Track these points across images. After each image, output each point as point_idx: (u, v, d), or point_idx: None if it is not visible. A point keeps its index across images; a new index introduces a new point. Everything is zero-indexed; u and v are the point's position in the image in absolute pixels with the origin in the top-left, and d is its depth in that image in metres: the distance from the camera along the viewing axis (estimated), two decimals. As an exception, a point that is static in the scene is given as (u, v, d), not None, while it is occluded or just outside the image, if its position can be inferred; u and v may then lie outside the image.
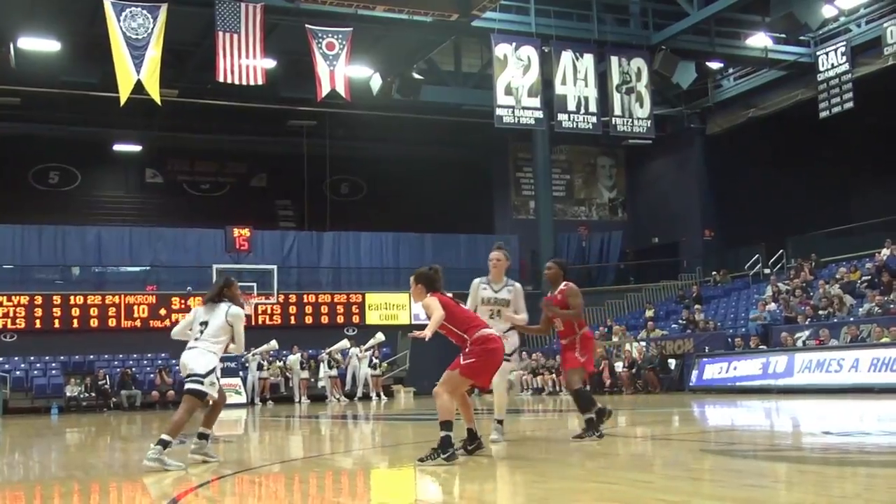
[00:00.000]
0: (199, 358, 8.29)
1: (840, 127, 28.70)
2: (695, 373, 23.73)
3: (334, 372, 28.65)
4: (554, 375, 27.83)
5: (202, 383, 8.20)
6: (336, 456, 9.58)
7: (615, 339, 27.74)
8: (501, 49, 27.70)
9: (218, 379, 8.36)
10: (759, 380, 21.57)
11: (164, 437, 7.97)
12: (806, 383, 20.12)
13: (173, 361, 29.05)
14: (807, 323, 23.48)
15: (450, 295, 8.08)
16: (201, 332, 8.39)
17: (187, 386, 8.27)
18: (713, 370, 23.26)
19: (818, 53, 28.80)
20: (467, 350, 7.72)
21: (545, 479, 6.70)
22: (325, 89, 25.38)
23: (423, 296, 7.95)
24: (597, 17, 29.52)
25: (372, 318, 31.97)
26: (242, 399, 27.13)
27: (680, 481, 6.37)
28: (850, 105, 27.69)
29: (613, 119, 29.50)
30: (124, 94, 22.86)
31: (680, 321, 28.15)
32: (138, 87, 22.75)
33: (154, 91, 23.00)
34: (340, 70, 25.44)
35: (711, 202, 34.05)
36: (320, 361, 28.85)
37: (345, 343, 28.18)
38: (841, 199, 31.83)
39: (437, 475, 6.91)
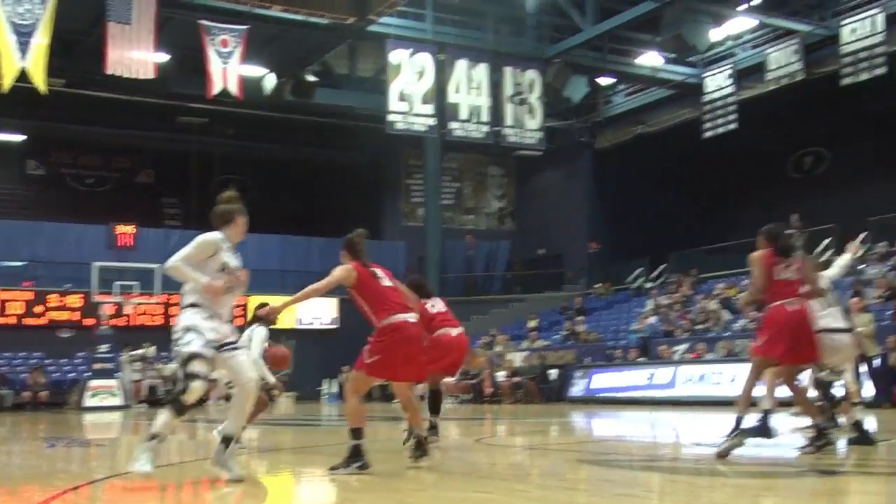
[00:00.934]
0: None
1: (723, 147, 29.57)
2: (583, 382, 24.11)
3: (137, 375, 27.39)
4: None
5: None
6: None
7: (498, 348, 27.99)
8: (396, 55, 27.72)
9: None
10: (642, 391, 22.05)
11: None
12: (687, 395, 20.68)
13: (47, 361, 28.17)
14: (684, 337, 24.12)
15: (378, 269, 7.47)
16: None
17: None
18: (600, 381, 23.67)
19: (705, 75, 29.62)
20: (371, 342, 7.15)
21: (423, 487, 6.70)
22: (216, 87, 24.98)
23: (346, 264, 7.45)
24: (493, 27, 29.82)
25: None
26: (118, 401, 26.35)
27: (555, 491, 6.43)
28: (733, 126, 28.57)
29: (505, 129, 29.81)
30: (7, 81, 22.07)
31: (562, 332, 28.58)
32: (23, 75, 22.01)
33: (39, 80, 22.28)
34: (233, 68, 25.08)
35: (598, 215, 34.65)
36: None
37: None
38: (722, 217, 32.77)
39: (320, 483, 6.84)
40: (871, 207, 25.94)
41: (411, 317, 7.29)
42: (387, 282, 7.52)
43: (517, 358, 26.82)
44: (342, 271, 7.33)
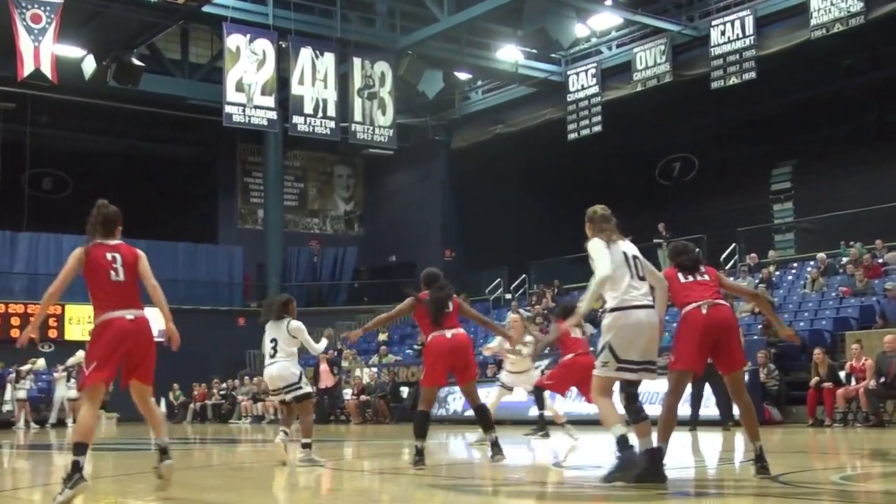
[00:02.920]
0: (286, 370, 10.70)
1: (587, 150, 30.15)
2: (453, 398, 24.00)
3: (23, 394, 26.86)
4: (278, 403, 27.42)
5: (301, 387, 10.69)
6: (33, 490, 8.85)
7: (345, 363, 27.72)
8: (234, 40, 27.20)
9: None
10: (513, 409, 22.01)
11: (305, 440, 10.57)
12: (562, 413, 20.70)
13: None
14: (547, 351, 24.33)
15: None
16: (274, 348, 10.72)
17: (294, 395, 10.68)
18: (457, 399, 23.57)
19: (569, 73, 30.19)
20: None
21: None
22: (27, 68, 23.96)
23: None
24: (340, 13, 29.57)
25: (73, 332, 30.31)
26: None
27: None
28: (598, 128, 29.18)
29: (353, 125, 29.64)
30: None
31: (415, 346, 28.50)
32: None
33: None
34: (47, 47, 24.09)
35: (453, 220, 34.83)
36: (7, 382, 26.97)
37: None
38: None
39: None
40: (741, 217, 26.92)
41: (128, 314, 6.99)
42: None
43: (365, 374, 26.60)
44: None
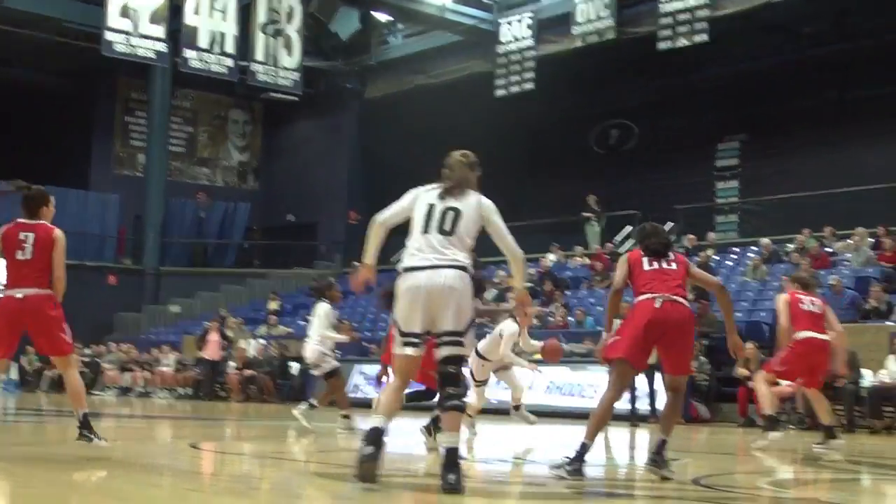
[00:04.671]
0: (313, 350, 13.50)
1: (518, 109, 30.24)
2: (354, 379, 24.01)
3: None
4: (148, 373, 27.30)
5: (321, 366, 13.55)
6: None
7: (229, 333, 27.58)
8: (121, -44, 26.76)
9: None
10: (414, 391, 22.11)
11: (343, 411, 13.25)
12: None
13: None
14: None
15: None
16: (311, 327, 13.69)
17: (321, 372, 13.68)
18: (357, 379, 23.60)
19: (501, 22, 30.18)
20: None
21: (123, 499, 6.44)
22: None
23: None
24: (243, -65, 29.23)
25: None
26: None
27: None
28: (530, 86, 29.27)
29: (254, 65, 29.39)
30: None
31: (310, 318, 28.45)
32: None
33: None
34: None
35: (361, 180, 34.74)
36: None
37: None
38: (511, 191, 33.58)
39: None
40: (681, 194, 27.28)
41: None
42: None
43: (251, 347, 26.52)
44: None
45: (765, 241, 23.47)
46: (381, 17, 33.22)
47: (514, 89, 29.74)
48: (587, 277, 25.74)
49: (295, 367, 24.98)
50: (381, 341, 16.57)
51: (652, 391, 17.30)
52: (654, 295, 7.85)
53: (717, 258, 24.59)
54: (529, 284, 25.90)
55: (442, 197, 7.26)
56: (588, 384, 18.72)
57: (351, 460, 7.07)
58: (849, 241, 22.33)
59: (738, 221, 28.50)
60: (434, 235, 7.07)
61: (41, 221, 8.60)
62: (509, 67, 29.95)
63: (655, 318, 7.78)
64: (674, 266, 8.05)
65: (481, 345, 11.99)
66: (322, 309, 13.54)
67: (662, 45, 26.46)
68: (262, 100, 36.26)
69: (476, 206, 7.20)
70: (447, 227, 7.08)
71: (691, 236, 25.43)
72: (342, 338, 14.12)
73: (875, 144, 26.22)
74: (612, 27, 27.59)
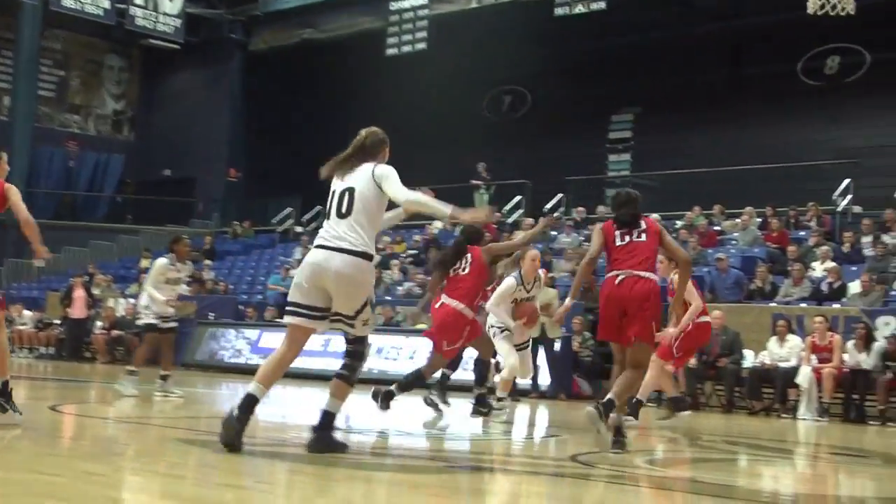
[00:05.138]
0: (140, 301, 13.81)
1: (410, 70, 30.20)
2: (207, 343, 23.81)
3: None
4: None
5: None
6: None
7: (97, 291, 27.17)
8: None
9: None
10: (316, 357, 21.99)
11: (163, 372, 13.49)
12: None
13: None
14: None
15: None
16: None
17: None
18: (232, 342, 23.44)
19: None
20: None
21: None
22: None
23: None
24: None
25: None
26: None
27: (145, 475, 6.35)
28: (422, 46, 29.25)
29: (133, 8, 28.89)
30: None
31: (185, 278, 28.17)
32: None
33: None
34: None
35: (243, 135, 34.43)
36: None
37: None
38: (398, 155, 33.41)
39: None
40: (572, 166, 27.56)
41: None
42: None
43: (121, 306, 26.16)
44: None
45: (654, 216, 23.79)
46: (271, -35, 32.88)
47: (406, 48, 29.72)
48: (473, 247, 25.83)
49: (166, 328, 24.73)
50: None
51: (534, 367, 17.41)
52: (617, 272, 8.46)
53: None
54: (414, 253, 26.03)
55: (341, 178, 7.58)
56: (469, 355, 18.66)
57: (217, 426, 7.08)
58: (737, 220, 22.81)
59: (630, 195, 28.85)
60: (333, 219, 7.40)
61: None
62: (402, 26, 29.89)
63: (613, 295, 8.43)
64: (643, 238, 8.54)
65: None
66: (157, 263, 13.55)
67: (559, 11, 26.64)
68: (141, 46, 35.63)
69: (368, 179, 7.46)
70: (343, 209, 7.39)
71: (581, 209, 25.75)
72: (160, 297, 13.46)
73: (768, 124, 26.81)
74: (510, -10, 27.75)
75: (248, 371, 22.21)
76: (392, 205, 7.62)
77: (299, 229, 31.05)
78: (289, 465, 7.18)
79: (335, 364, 7.76)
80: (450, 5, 29.30)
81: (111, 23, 29.51)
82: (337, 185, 7.56)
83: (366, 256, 7.26)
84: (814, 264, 19.55)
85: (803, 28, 24.22)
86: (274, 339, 22.82)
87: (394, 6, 29.93)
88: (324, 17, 32.85)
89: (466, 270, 11.27)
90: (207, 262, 29.08)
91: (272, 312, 24.28)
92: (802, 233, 21.77)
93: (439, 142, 31.79)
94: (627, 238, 8.54)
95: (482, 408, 11.85)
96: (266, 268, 28.87)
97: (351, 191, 7.42)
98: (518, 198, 27.39)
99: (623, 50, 29.31)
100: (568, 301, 9.54)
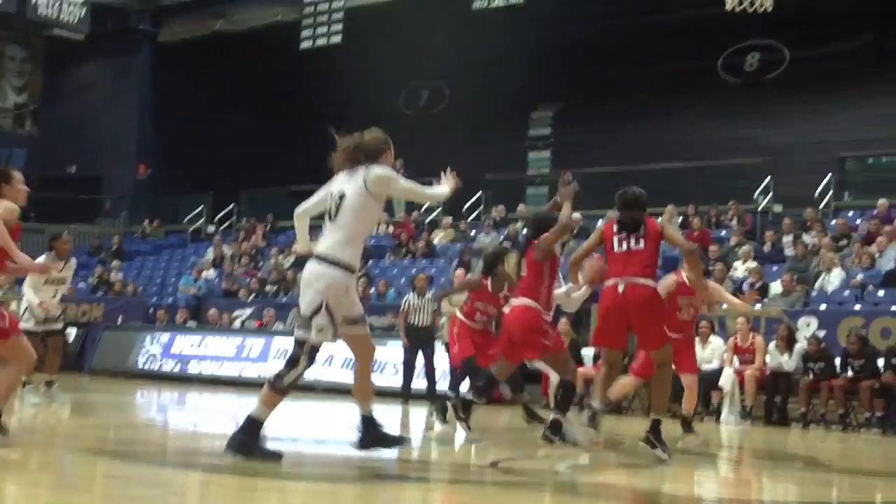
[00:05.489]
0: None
1: (326, 64, 30.06)
2: (115, 348, 23.54)
3: None
4: None
5: None
6: None
7: (-1, 293, 26.71)
8: None
9: None
10: (231, 361, 21.81)
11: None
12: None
13: None
14: (250, 300, 24.38)
15: None
16: None
17: None
18: (146, 347, 23.20)
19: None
20: None
21: None
22: None
23: None
24: None
25: None
26: None
27: (48, 490, 6.28)
28: (337, 39, 29.16)
29: (36, -3, 28.46)
30: None
31: (91, 279, 27.86)
32: None
33: None
34: None
35: (153, 131, 33.99)
36: None
37: None
38: (313, 152, 33.24)
39: None
40: (491, 163, 27.63)
41: None
42: None
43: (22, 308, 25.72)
44: None
45: (576, 215, 23.91)
46: (181, -47, 32.54)
47: (321, 41, 29.58)
48: (391, 247, 25.87)
49: (71, 332, 24.41)
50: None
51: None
52: (616, 280, 8.84)
53: (526, 231, 24.97)
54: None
55: (342, 178, 7.71)
56: (388, 360, 18.63)
57: (127, 439, 7.03)
58: (658, 218, 23.00)
59: (548, 194, 29.02)
60: (326, 223, 7.62)
61: None
62: (316, 18, 29.75)
63: (615, 304, 8.82)
64: (642, 245, 8.87)
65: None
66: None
67: (478, 5, 26.75)
68: (45, 37, 35.01)
69: (359, 186, 7.55)
70: (332, 213, 7.57)
71: (500, 207, 25.86)
72: (33, 299, 13.41)
73: (689, 120, 27.12)
74: (425, -22, 27.76)
75: (159, 377, 22.10)
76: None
77: (211, 229, 30.81)
78: (203, 475, 7.15)
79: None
80: (367, -4, 29.27)
81: (12, 11, 28.97)
82: (334, 187, 7.68)
83: (330, 262, 7.41)
84: (735, 264, 19.84)
85: (723, 24, 24.54)
86: (186, 344, 22.66)
87: (309, -2, 29.82)
88: (236, 8, 32.49)
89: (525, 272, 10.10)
90: (116, 262, 28.74)
91: (184, 315, 24.09)
92: (724, 232, 22.07)
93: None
94: (625, 245, 8.87)
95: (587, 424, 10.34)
96: (177, 269, 28.59)
97: (342, 196, 7.55)
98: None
99: (543, 45, 29.34)
100: (569, 285, 10.01)
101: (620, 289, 8.75)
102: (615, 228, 8.98)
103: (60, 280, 13.53)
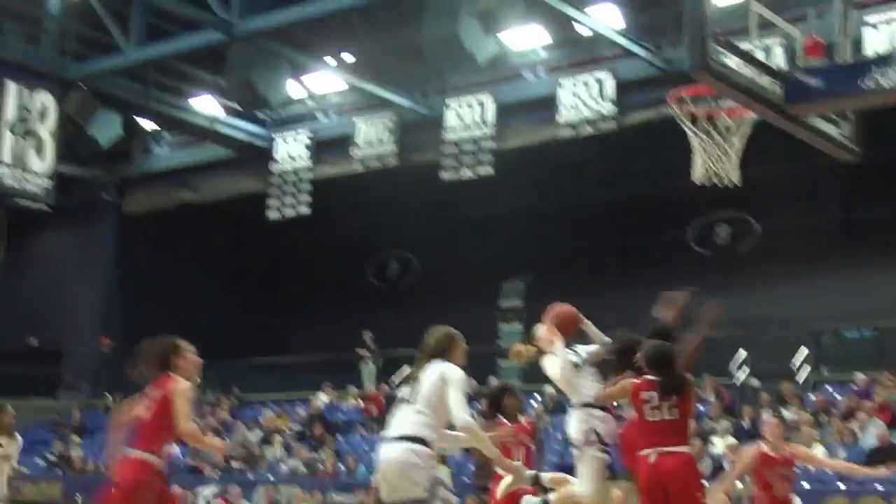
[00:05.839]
0: None
1: (293, 234, 30.19)
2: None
3: None
4: None
5: None
6: None
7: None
8: None
9: None
10: None
11: None
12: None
13: None
14: (217, 476, 24.00)
15: None
16: None
17: None
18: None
19: (276, 138, 30.17)
20: None
21: None
22: None
23: None
24: (-4, 20, 28.57)
25: None
26: None
27: None
28: (305, 210, 29.24)
29: (1, 167, 28.46)
30: None
31: (50, 457, 27.44)
32: None
33: None
34: None
35: (117, 302, 33.80)
36: None
37: None
38: (282, 323, 33.24)
39: None
40: (461, 334, 27.48)
41: None
42: None
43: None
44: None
45: (549, 390, 23.80)
46: (147, 124, 32.74)
47: (289, 212, 29.62)
48: (361, 422, 25.62)
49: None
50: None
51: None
52: (649, 450, 8.45)
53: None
54: (299, 429, 25.67)
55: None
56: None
57: None
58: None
59: (520, 367, 28.91)
60: (399, 409, 7.86)
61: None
62: (284, 188, 29.85)
63: (651, 478, 8.41)
64: (676, 416, 8.46)
65: None
66: None
67: (446, 176, 26.88)
68: (7, 206, 35.01)
69: (437, 377, 7.87)
70: (409, 397, 7.85)
71: (472, 381, 25.67)
72: None
73: (660, 293, 27.16)
74: (394, 153, 27.94)
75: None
76: None
77: (174, 402, 30.42)
78: None
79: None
80: (334, 168, 29.40)
81: (-26, 181, 28.98)
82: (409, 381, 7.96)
83: (419, 441, 7.63)
84: (714, 440, 19.68)
85: (693, 197, 24.72)
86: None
87: (276, 168, 29.93)
88: (203, 179, 32.68)
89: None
90: (76, 438, 28.29)
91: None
92: (702, 407, 21.94)
93: (323, 309, 31.70)
94: (658, 414, 8.50)
95: None
96: (133, 444, 28.14)
97: (419, 383, 7.81)
98: (406, 368, 27.17)
99: (514, 215, 29.65)
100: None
101: (653, 459, 8.43)
102: (643, 391, 8.58)
103: (4, 457, 12.84)
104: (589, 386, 9.69)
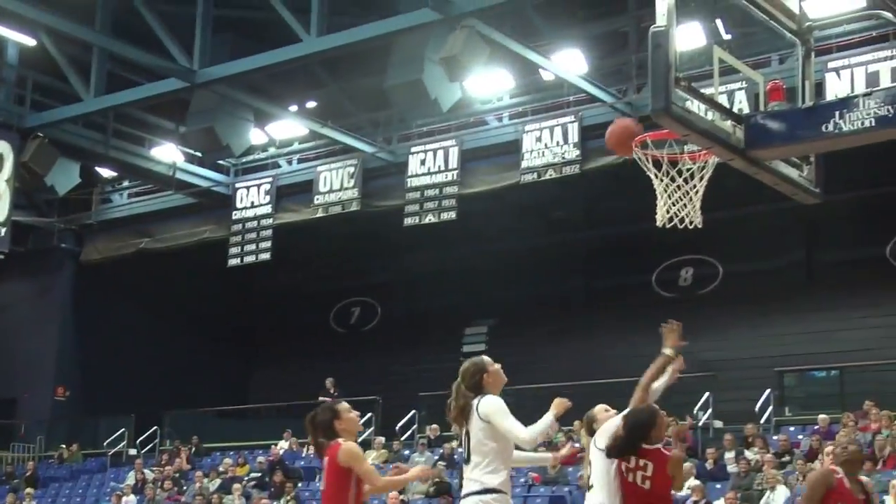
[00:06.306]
0: None
1: (254, 281, 30.34)
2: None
3: None
4: None
5: None
6: None
7: None
8: None
9: None
10: None
11: None
12: None
13: None
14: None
15: None
16: None
17: None
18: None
19: (238, 186, 30.35)
20: None
21: None
22: None
23: None
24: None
25: None
26: None
27: None
28: (266, 256, 29.36)
29: (-47, 216, 28.51)
30: None
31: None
32: None
33: None
34: None
35: (73, 351, 33.69)
36: None
37: None
38: (242, 371, 33.31)
39: None
40: (426, 381, 27.72)
41: None
42: None
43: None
44: None
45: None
46: (105, 172, 32.83)
47: (249, 258, 29.70)
48: (322, 468, 25.64)
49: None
50: None
51: None
52: None
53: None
54: (257, 474, 25.75)
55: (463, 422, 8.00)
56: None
57: None
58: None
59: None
60: (464, 467, 7.98)
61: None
62: (244, 235, 29.93)
63: None
64: (647, 485, 8.20)
65: None
66: None
67: (409, 221, 27.10)
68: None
69: (475, 419, 7.90)
70: (465, 454, 7.92)
71: (435, 426, 25.85)
72: None
73: (624, 336, 27.50)
74: (356, 198, 28.03)
75: None
76: None
77: (132, 452, 30.36)
78: None
79: None
80: (295, 214, 29.55)
81: (-71, 230, 28.97)
82: (463, 429, 7.94)
83: (484, 491, 7.72)
84: (678, 482, 19.95)
85: (656, 240, 25.17)
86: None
87: (237, 215, 30.03)
88: (162, 226, 32.64)
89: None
90: (30, 490, 28.17)
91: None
92: (665, 449, 22.23)
93: (284, 355, 31.80)
94: (632, 476, 8.25)
95: None
96: (95, 495, 28.08)
97: (468, 434, 7.88)
98: (369, 415, 27.37)
99: (476, 260, 29.93)
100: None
101: None
102: (623, 458, 8.33)
103: None
104: None
